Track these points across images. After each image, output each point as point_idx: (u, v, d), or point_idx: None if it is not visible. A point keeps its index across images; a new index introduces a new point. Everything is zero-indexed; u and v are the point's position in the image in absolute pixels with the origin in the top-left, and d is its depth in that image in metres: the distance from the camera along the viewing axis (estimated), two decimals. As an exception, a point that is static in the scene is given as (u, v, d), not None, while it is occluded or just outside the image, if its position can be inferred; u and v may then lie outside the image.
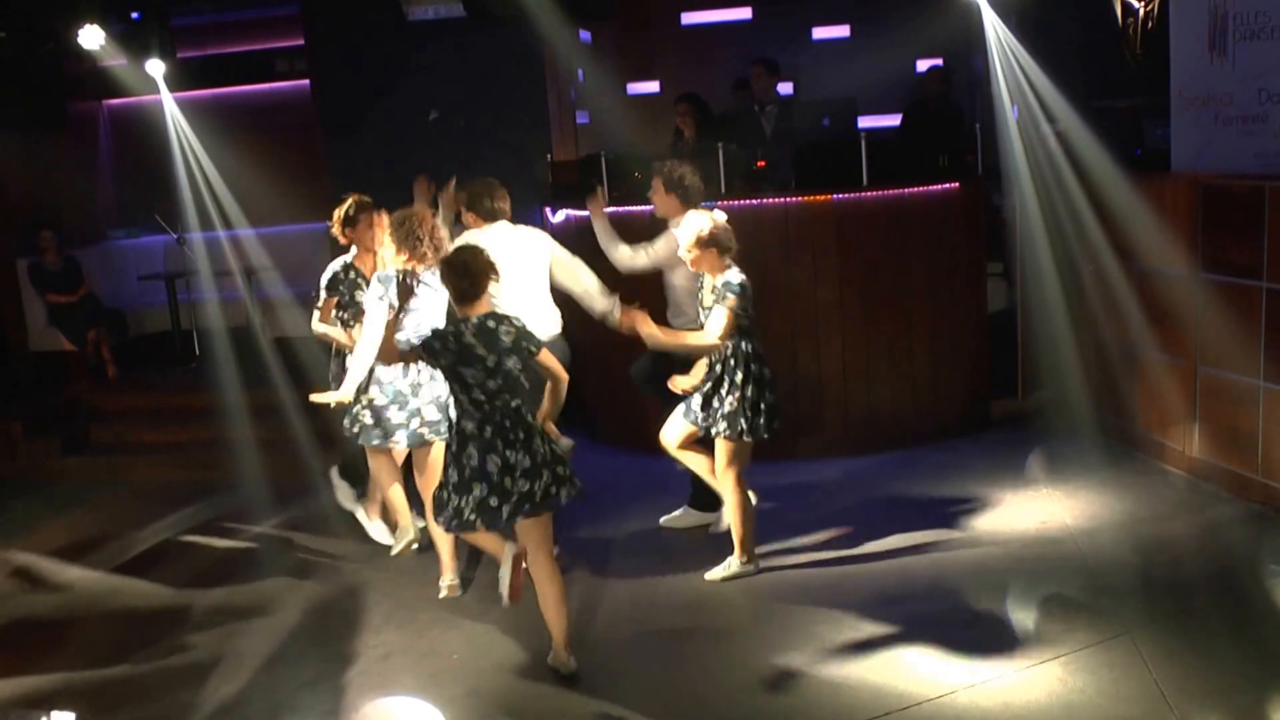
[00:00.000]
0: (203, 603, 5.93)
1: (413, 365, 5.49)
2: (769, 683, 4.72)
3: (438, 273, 4.95)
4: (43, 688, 5.15)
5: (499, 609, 5.52)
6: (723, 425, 5.43)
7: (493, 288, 4.77)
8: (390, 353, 4.99)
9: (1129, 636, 4.78)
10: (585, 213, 6.17)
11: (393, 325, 5.01)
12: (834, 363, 7.41)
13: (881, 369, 7.47)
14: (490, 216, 5.82)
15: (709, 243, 5.33)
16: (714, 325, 5.32)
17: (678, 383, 5.57)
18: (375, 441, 5.69)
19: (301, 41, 9.73)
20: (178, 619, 5.76)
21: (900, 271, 7.41)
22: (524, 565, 4.83)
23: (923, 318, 7.51)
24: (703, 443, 5.77)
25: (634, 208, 6.93)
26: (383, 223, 5.80)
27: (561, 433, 4.91)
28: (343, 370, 6.08)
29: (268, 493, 7.34)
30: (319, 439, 7.57)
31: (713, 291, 5.38)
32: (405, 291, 5.09)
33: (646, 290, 5.94)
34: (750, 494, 5.87)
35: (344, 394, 5.61)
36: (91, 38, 8.41)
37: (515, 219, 6.00)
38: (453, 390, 4.71)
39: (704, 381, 5.52)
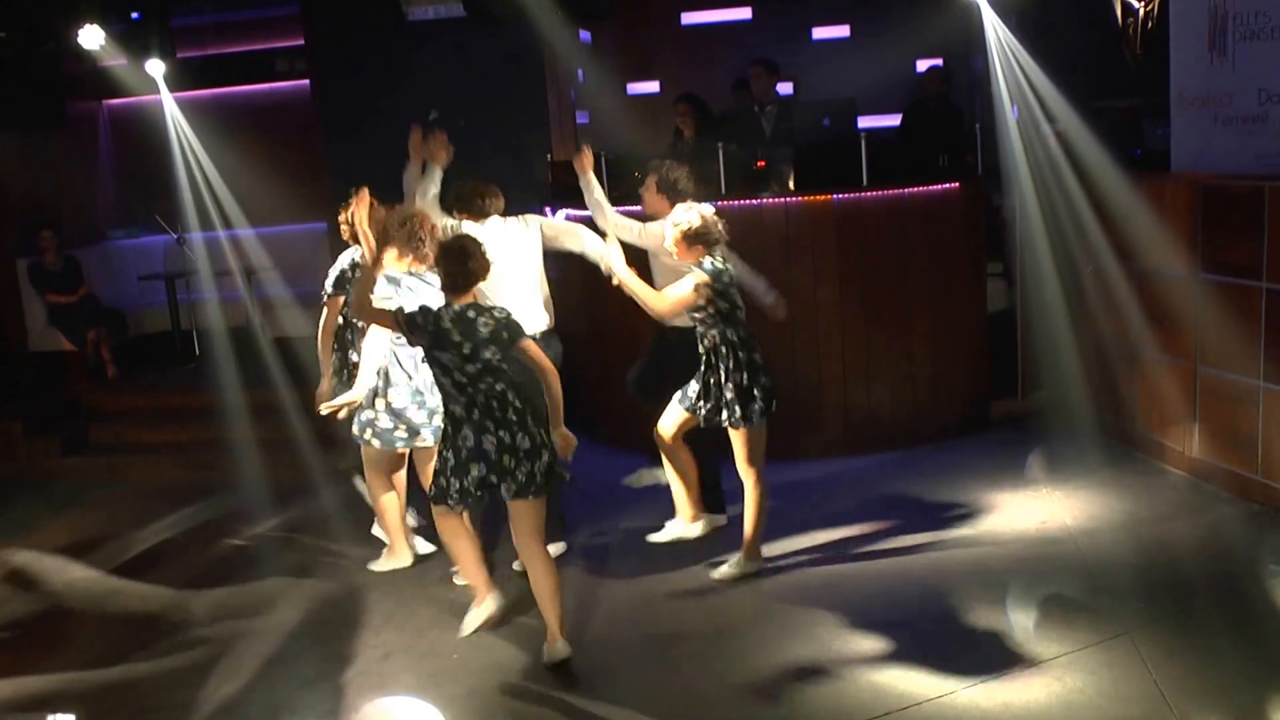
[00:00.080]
0: (203, 603, 5.93)
1: (422, 365, 5.49)
2: (769, 683, 4.72)
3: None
4: (42, 688, 5.15)
5: (498, 609, 5.53)
6: (726, 414, 5.43)
7: (483, 284, 4.81)
8: (368, 310, 4.90)
9: (1129, 636, 4.78)
10: (585, 213, 6.17)
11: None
12: (834, 363, 7.41)
13: (881, 369, 7.47)
14: (482, 214, 5.82)
15: (694, 239, 5.36)
16: (673, 292, 5.39)
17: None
18: (400, 444, 5.66)
19: (301, 41, 9.73)
20: (178, 619, 5.76)
21: (900, 271, 7.41)
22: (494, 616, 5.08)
23: (923, 318, 7.51)
24: (692, 445, 5.78)
25: (634, 207, 6.92)
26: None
27: (572, 440, 4.89)
28: (345, 367, 6.08)
29: (268, 493, 7.35)
30: (319, 439, 7.57)
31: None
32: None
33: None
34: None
35: (354, 395, 5.59)
36: (91, 38, 8.41)
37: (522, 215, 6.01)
38: (435, 376, 4.76)
39: (698, 374, 5.53)
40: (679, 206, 5.49)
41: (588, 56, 9.73)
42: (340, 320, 6.09)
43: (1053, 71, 7.44)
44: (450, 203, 5.90)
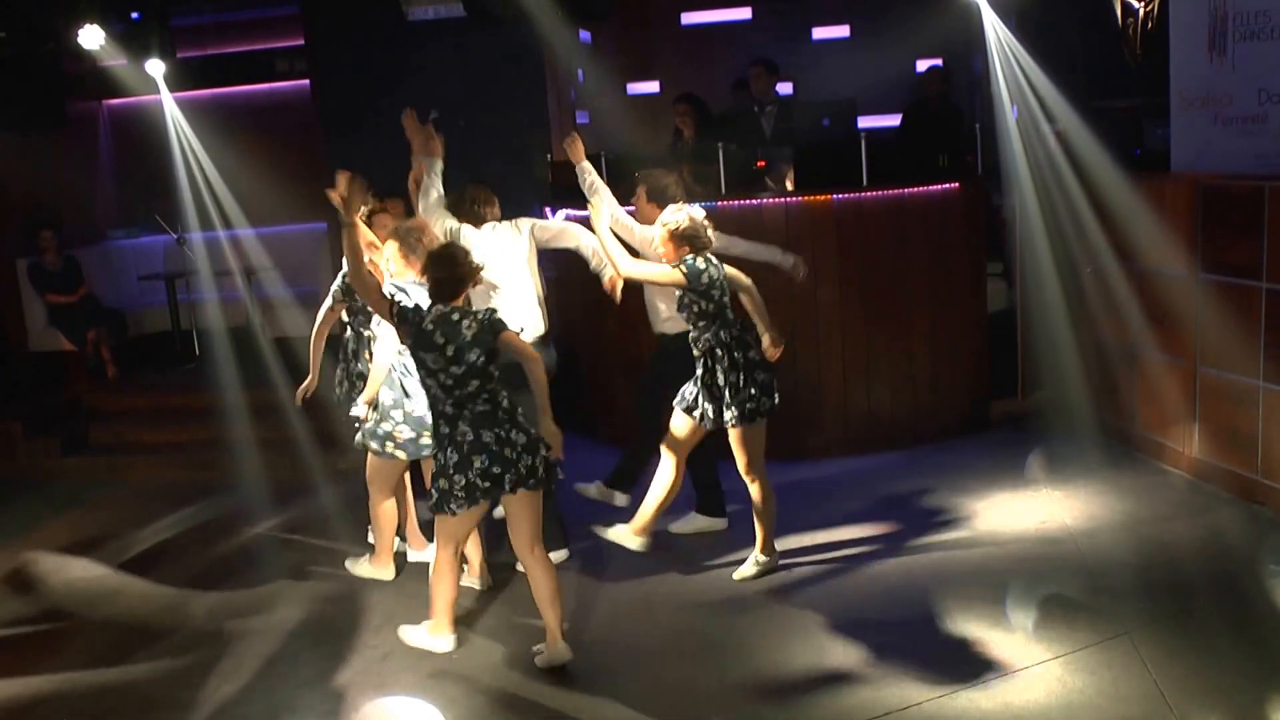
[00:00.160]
0: (203, 603, 5.93)
1: None
2: (769, 683, 4.72)
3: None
4: (43, 688, 5.15)
5: (500, 610, 5.54)
6: (727, 415, 5.43)
7: (478, 290, 4.81)
8: (367, 286, 4.87)
9: (1129, 636, 4.79)
10: (585, 213, 6.16)
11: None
12: (834, 363, 7.41)
13: (881, 369, 7.47)
14: (476, 220, 5.83)
15: (682, 239, 5.37)
16: (644, 265, 5.46)
17: None
18: (425, 451, 5.63)
19: (301, 41, 9.73)
20: (178, 619, 5.76)
21: (900, 271, 7.42)
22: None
23: (923, 318, 7.51)
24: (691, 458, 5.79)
25: (630, 207, 6.92)
26: (387, 222, 5.85)
27: (559, 432, 4.88)
28: (348, 376, 6.06)
29: (268, 493, 7.35)
30: (319, 439, 7.57)
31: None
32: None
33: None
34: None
35: (369, 395, 5.56)
36: (91, 38, 8.40)
37: (514, 219, 6.01)
38: (421, 378, 4.76)
39: (695, 378, 5.53)
40: (670, 207, 5.51)
41: (588, 56, 9.73)
42: (348, 331, 6.07)
43: (1053, 71, 7.44)
44: (448, 208, 5.90)
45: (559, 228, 6.09)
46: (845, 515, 6.39)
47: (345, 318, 6.03)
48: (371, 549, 6.04)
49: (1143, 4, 7.29)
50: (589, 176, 5.95)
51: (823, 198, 7.27)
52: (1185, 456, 6.60)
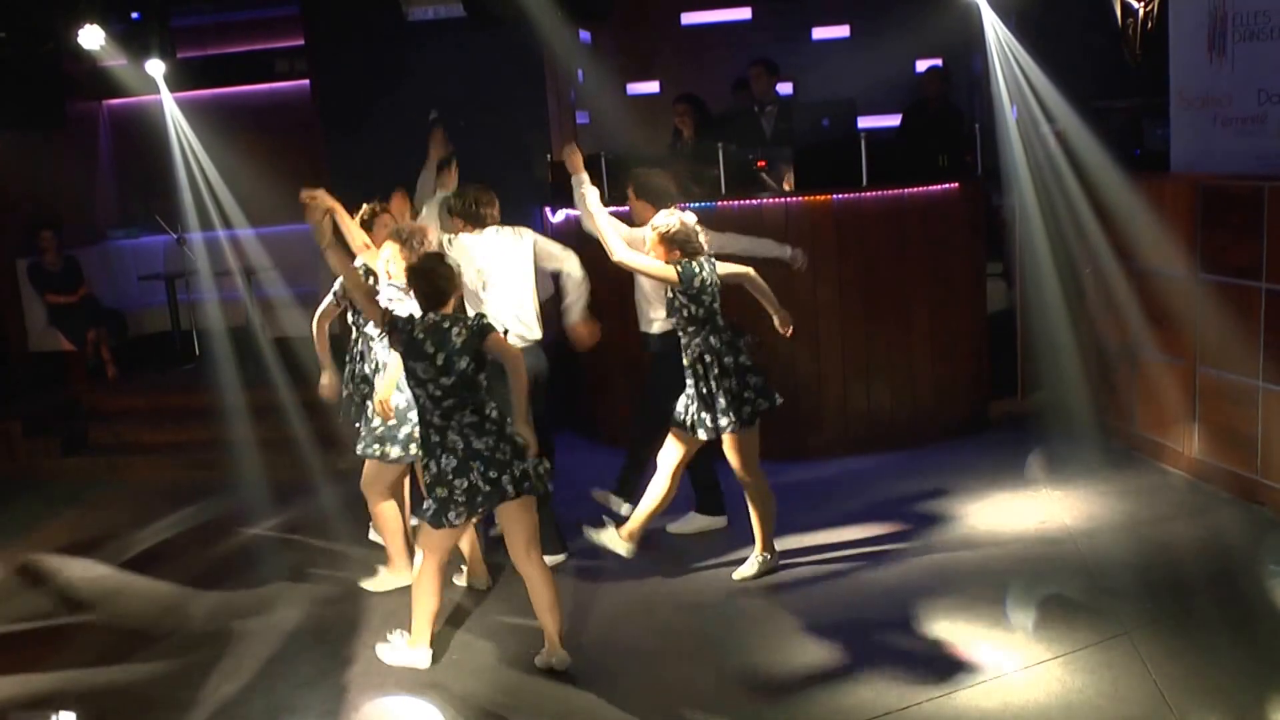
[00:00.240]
0: (203, 603, 5.93)
1: None
2: (769, 683, 4.72)
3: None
4: (43, 688, 5.15)
5: (498, 610, 5.54)
6: (724, 422, 5.43)
7: (478, 295, 4.81)
8: (362, 294, 4.98)
9: (1129, 636, 4.79)
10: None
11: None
12: (834, 363, 7.41)
13: (881, 369, 7.47)
14: (479, 222, 5.83)
15: (672, 242, 5.37)
16: (639, 255, 5.44)
17: None
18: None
19: (301, 41, 9.73)
20: (178, 619, 5.76)
21: (900, 271, 7.42)
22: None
23: (923, 318, 7.51)
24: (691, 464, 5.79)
25: (623, 208, 6.93)
26: (387, 223, 5.85)
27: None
28: (353, 378, 6.06)
29: (268, 493, 7.35)
30: (319, 439, 7.57)
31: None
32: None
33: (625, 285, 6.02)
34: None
35: (382, 394, 5.53)
36: (91, 38, 8.40)
37: (514, 219, 6.00)
38: (411, 388, 4.75)
39: (686, 390, 5.52)
40: (662, 212, 5.52)
41: (588, 57, 9.72)
42: (354, 332, 6.07)
43: (1052, 71, 7.44)
44: (449, 209, 5.90)
45: (554, 250, 6.02)
46: (845, 515, 6.39)
47: (349, 318, 6.02)
48: (371, 549, 6.04)
49: (1143, 4, 7.29)
50: (582, 189, 5.83)
51: (822, 198, 7.27)
52: (1185, 457, 6.60)
